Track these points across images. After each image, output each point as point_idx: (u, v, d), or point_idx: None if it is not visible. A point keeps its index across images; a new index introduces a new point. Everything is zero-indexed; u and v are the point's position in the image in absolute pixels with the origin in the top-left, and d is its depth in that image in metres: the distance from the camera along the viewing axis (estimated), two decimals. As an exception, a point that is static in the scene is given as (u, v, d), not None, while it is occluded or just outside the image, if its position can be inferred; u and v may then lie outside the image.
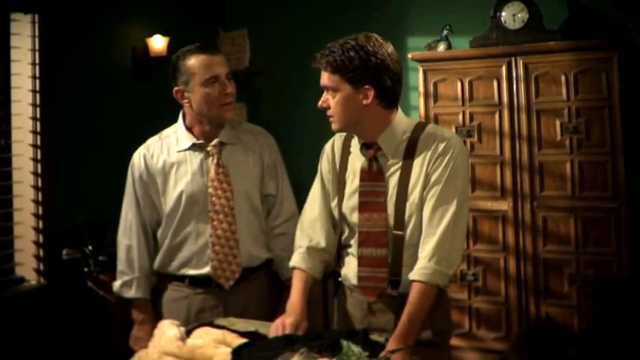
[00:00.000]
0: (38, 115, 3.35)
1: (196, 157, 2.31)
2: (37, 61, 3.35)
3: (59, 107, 3.45)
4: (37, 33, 3.35)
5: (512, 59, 3.61)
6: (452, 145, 1.92)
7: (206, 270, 2.27)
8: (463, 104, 3.74)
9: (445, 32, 3.90)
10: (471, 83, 3.72)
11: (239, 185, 2.30)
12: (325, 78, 1.93)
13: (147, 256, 2.35)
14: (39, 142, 3.35)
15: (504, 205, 3.63)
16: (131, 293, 2.33)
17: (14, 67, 3.34)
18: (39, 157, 3.35)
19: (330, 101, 1.94)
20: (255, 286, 2.34)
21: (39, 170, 3.35)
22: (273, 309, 2.32)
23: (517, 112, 3.61)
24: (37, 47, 3.35)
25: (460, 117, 3.74)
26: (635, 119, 3.60)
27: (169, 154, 2.32)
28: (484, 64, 3.68)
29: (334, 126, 1.98)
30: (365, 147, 2.00)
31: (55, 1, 3.41)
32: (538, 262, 3.55)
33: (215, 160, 2.29)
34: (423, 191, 1.91)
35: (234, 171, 2.31)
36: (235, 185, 2.29)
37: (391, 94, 1.94)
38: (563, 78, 3.51)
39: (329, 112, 1.96)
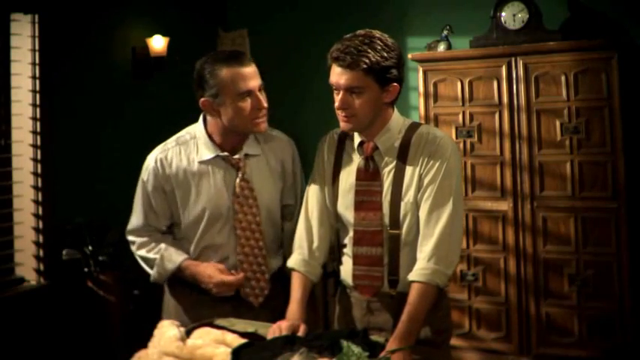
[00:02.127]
0: (38, 115, 3.35)
1: (219, 171, 2.16)
2: (37, 61, 3.35)
3: (59, 107, 3.45)
4: (37, 33, 3.34)
5: (512, 59, 3.61)
6: (444, 145, 1.92)
7: None
8: (463, 104, 3.74)
9: (445, 32, 3.90)
10: (471, 83, 3.72)
11: (263, 200, 2.19)
12: (351, 79, 1.85)
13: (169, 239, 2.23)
14: (39, 142, 3.35)
15: (504, 206, 3.63)
16: (175, 260, 2.16)
17: (14, 67, 3.34)
18: (39, 157, 3.35)
19: (350, 102, 1.88)
20: (281, 298, 2.15)
21: (39, 170, 3.35)
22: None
23: (517, 112, 3.61)
24: (37, 47, 3.35)
25: (460, 117, 3.74)
26: (635, 119, 3.61)
27: (189, 163, 2.16)
28: (484, 64, 3.68)
29: (349, 126, 1.92)
30: (360, 145, 1.99)
31: (55, 1, 3.41)
32: (538, 262, 3.55)
33: (240, 175, 2.15)
34: (417, 191, 1.91)
35: (258, 186, 2.19)
36: (259, 200, 2.18)
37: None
38: (563, 78, 3.51)
39: (347, 113, 1.89)
